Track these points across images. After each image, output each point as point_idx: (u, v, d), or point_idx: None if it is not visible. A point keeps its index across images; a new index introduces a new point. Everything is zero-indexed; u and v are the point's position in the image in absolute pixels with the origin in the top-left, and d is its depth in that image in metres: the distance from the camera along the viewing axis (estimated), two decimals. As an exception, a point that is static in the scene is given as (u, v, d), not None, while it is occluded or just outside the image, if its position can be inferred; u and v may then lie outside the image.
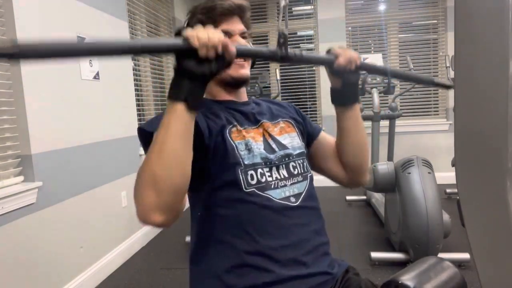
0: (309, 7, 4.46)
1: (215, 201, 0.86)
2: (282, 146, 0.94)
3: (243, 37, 0.94)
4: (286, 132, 0.98)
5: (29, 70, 1.83)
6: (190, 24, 0.92)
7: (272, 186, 0.87)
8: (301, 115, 1.08)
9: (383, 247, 2.54)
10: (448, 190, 3.72)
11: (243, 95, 1.01)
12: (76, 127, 2.17)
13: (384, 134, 3.72)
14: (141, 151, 2.94)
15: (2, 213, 1.65)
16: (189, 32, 0.69)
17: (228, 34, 0.89)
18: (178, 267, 2.48)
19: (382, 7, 4.30)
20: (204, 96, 0.90)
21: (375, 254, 2.32)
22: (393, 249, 2.45)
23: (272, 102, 1.07)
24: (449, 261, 0.82)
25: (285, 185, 0.89)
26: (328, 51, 0.93)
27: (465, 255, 2.18)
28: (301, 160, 0.95)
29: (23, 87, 1.79)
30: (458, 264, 2.16)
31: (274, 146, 0.93)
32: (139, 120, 3.03)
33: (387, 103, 4.14)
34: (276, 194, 0.87)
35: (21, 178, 1.83)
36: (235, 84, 0.96)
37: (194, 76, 0.70)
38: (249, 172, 0.86)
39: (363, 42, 4.39)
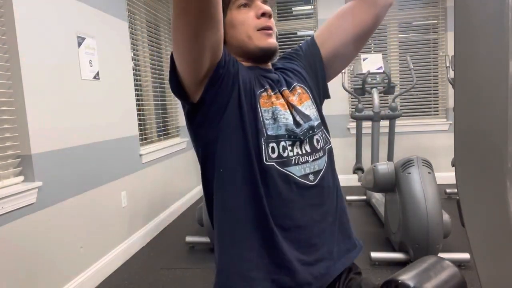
0: (309, 7, 4.46)
1: (234, 170, 0.82)
2: (307, 118, 0.89)
3: (264, 1, 0.89)
4: (305, 100, 0.93)
5: (29, 70, 1.83)
6: None
7: (293, 162, 0.83)
8: (298, 57, 1.00)
9: (383, 247, 2.54)
10: (448, 190, 3.72)
11: (268, 63, 0.96)
12: (76, 127, 2.17)
13: (384, 134, 3.73)
14: (141, 151, 2.94)
15: (2, 213, 1.65)
16: None
17: (249, 0, 0.87)
18: (178, 267, 2.48)
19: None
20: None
21: (375, 254, 2.32)
22: (393, 249, 2.45)
23: (280, 68, 0.98)
24: (449, 261, 0.82)
25: (307, 161, 0.85)
26: None
27: (465, 255, 2.18)
28: (321, 132, 0.92)
29: (23, 87, 1.79)
30: (458, 264, 2.16)
31: (298, 118, 0.88)
32: (139, 120, 3.03)
33: (387, 103, 4.15)
34: (296, 171, 0.83)
35: (21, 178, 1.83)
36: (265, 56, 0.90)
37: None
38: (271, 144, 0.82)
39: (363, 42, 4.39)
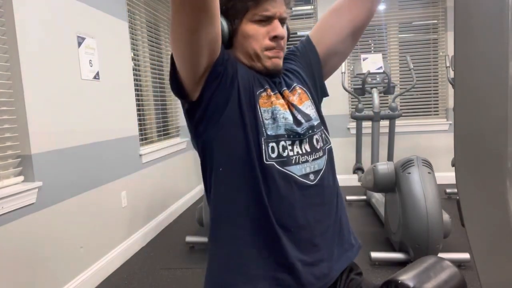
0: (309, 7, 4.46)
1: (234, 169, 0.83)
2: (307, 117, 0.90)
3: (282, 23, 0.88)
4: (305, 100, 0.93)
5: (29, 70, 1.83)
6: (230, 2, 0.85)
7: (293, 162, 0.84)
8: (296, 58, 1.00)
9: (383, 247, 2.54)
10: (448, 190, 3.72)
11: None
12: (76, 127, 2.17)
13: (384, 134, 3.73)
14: (141, 151, 2.94)
15: (2, 213, 1.65)
16: None
17: (268, 18, 0.85)
18: (178, 267, 2.48)
19: (382, 7, 4.30)
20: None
21: (375, 254, 2.32)
22: (393, 249, 2.45)
23: (283, 67, 0.98)
24: (449, 261, 0.82)
25: (307, 161, 0.86)
26: None
27: (465, 255, 2.18)
28: (320, 132, 0.92)
29: (23, 87, 1.79)
30: (458, 264, 2.16)
31: (299, 117, 0.88)
32: (139, 120, 3.03)
33: (387, 103, 4.15)
34: (297, 170, 0.84)
35: (21, 178, 1.83)
36: (268, 74, 0.90)
37: None
38: (270, 144, 0.82)
39: (363, 42, 4.39)
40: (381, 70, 3.33)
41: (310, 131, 0.89)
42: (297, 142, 0.86)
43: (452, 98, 4.22)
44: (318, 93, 1.01)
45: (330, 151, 0.93)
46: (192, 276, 2.35)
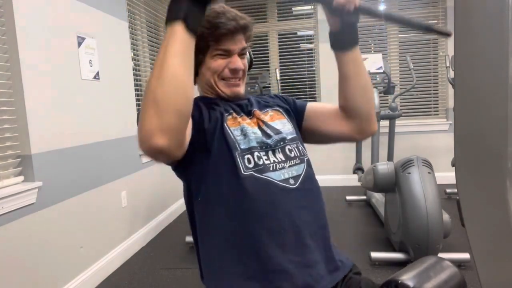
0: (309, 7, 4.46)
1: (215, 188, 0.87)
2: (276, 131, 0.95)
3: (242, 54, 0.96)
4: (277, 119, 1.00)
5: (29, 70, 1.83)
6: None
7: (271, 169, 0.88)
8: (286, 100, 1.09)
9: (383, 247, 2.54)
10: (448, 190, 3.72)
11: None
12: (76, 127, 2.17)
13: (384, 134, 3.73)
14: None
15: (2, 213, 1.65)
16: None
17: (227, 52, 0.92)
18: (178, 267, 2.48)
19: (382, 7, 4.30)
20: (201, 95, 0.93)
21: (375, 254, 2.32)
22: (393, 249, 2.45)
23: (259, 97, 1.09)
24: (449, 261, 0.82)
25: (284, 167, 0.90)
26: None
27: (465, 255, 2.18)
28: (295, 144, 0.96)
29: (23, 87, 1.79)
30: (458, 264, 2.16)
31: (269, 131, 0.94)
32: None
33: (387, 103, 4.14)
34: (276, 176, 0.87)
35: (21, 178, 1.83)
36: (228, 100, 0.98)
37: None
38: (246, 156, 0.87)
39: (363, 42, 4.39)
40: (381, 70, 3.33)
41: (282, 143, 0.94)
42: (270, 152, 0.91)
43: (452, 98, 4.22)
44: (295, 120, 1.07)
45: (308, 162, 0.96)
46: (192, 276, 2.35)
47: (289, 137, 0.96)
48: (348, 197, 3.73)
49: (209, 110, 0.92)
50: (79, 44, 2.22)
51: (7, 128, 1.77)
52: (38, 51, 1.90)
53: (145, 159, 3.00)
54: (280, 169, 0.89)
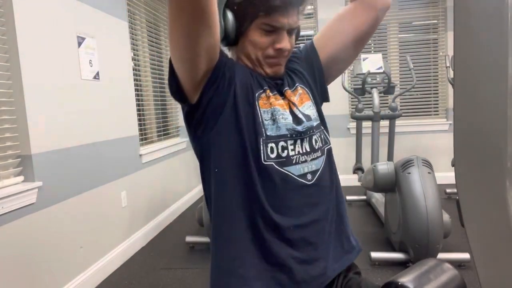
0: (309, 7, 4.46)
1: (232, 166, 0.83)
2: (307, 117, 0.91)
3: (291, 33, 0.88)
4: (306, 101, 0.94)
5: (29, 70, 1.83)
6: (242, 4, 0.83)
7: (294, 162, 0.85)
8: (300, 59, 1.00)
9: (383, 247, 2.54)
10: (448, 190, 3.72)
11: None
12: (76, 127, 2.17)
13: (384, 134, 3.72)
14: (141, 151, 2.94)
15: (2, 213, 1.65)
16: None
17: (276, 28, 0.84)
18: (178, 267, 2.48)
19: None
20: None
21: (375, 254, 2.32)
22: (393, 249, 2.45)
23: (287, 67, 0.97)
24: (449, 261, 0.82)
25: (306, 161, 0.87)
26: None
27: (465, 255, 2.18)
28: (320, 132, 0.93)
29: (23, 87, 1.79)
30: (458, 264, 2.16)
31: (300, 116, 0.89)
32: (139, 120, 3.03)
33: (387, 103, 4.14)
34: (295, 171, 0.85)
35: (21, 178, 1.83)
36: (268, 78, 0.91)
37: None
38: (270, 144, 0.83)
39: (363, 42, 4.39)
40: (381, 70, 3.33)
41: (310, 131, 0.90)
42: (298, 141, 0.86)
43: (452, 98, 4.22)
44: (320, 96, 1.01)
45: (329, 152, 0.94)
46: (192, 276, 2.35)
47: (315, 123, 0.92)
48: (348, 197, 3.73)
49: (243, 75, 0.86)
50: (79, 44, 2.22)
51: (7, 128, 1.77)
52: (38, 51, 1.90)
53: (145, 159, 3.00)
54: (302, 162, 0.86)
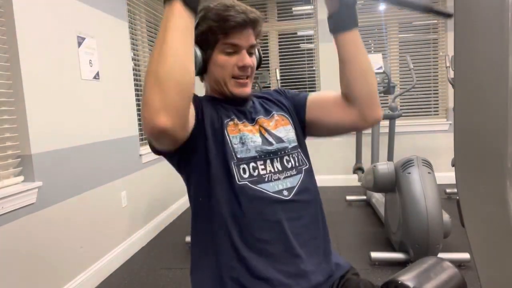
0: (309, 7, 4.46)
1: (211, 192, 0.87)
2: (279, 139, 0.95)
3: (250, 53, 0.93)
4: (281, 125, 0.98)
5: (29, 70, 1.83)
6: (201, 26, 0.90)
7: (266, 180, 0.88)
8: (286, 95, 1.07)
9: (383, 247, 2.54)
10: (448, 190, 3.72)
11: None
12: (76, 127, 2.17)
13: (384, 134, 3.72)
14: (141, 151, 2.94)
15: (2, 213, 1.65)
16: None
17: (236, 47, 0.90)
18: (178, 267, 2.48)
19: (382, 7, 4.30)
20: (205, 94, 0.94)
21: (375, 254, 2.32)
22: (393, 249, 2.45)
23: (263, 97, 1.06)
24: (449, 261, 0.82)
25: (279, 179, 0.90)
26: None
27: (465, 255, 2.18)
28: (296, 154, 0.96)
29: (23, 87, 1.79)
30: (458, 264, 2.16)
31: (270, 139, 0.94)
32: (139, 120, 3.03)
33: (387, 103, 4.14)
34: (269, 187, 0.88)
35: (21, 178, 1.83)
36: (235, 100, 0.96)
37: None
38: (242, 166, 0.88)
39: (363, 42, 4.39)
40: (381, 70, 3.33)
41: (281, 152, 0.93)
42: (268, 160, 0.91)
43: (452, 98, 4.22)
44: (299, 130, 1.04)
45: (307, 171, 0.96)
46: (192, 276, 2.35)
47: (290, 145, 0.96)
48: (348, 197, 3.73)
49: (211, 110, 0.92)
50: (79, 44, 2.22)
51: (7, 128, 1.77)
52: (38, 51, 1.90)
53: (145, 159, 3.00)
54: (275, 180, 0.89)
